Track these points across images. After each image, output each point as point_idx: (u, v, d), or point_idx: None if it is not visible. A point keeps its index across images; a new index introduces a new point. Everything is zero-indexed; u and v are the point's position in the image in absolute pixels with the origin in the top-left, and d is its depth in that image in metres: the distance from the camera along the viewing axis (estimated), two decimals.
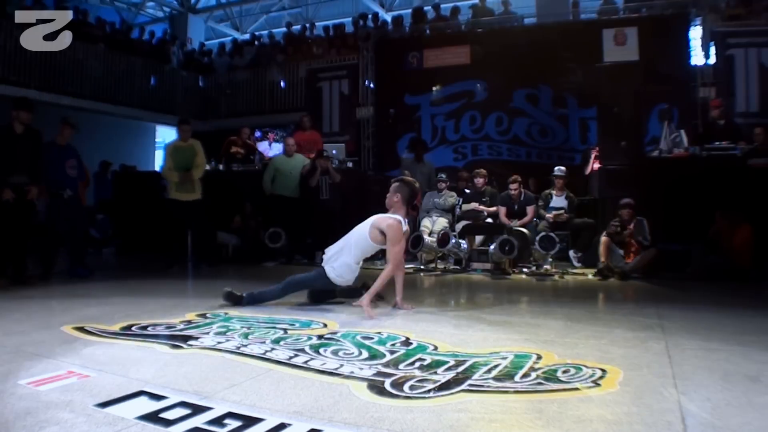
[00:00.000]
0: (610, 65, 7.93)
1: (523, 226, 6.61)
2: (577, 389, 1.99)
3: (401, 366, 2.29)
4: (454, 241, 6.17)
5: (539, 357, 2.40)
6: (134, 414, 1.73)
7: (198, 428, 1.63)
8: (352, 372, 2.20)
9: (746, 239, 5.59)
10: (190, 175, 6.54)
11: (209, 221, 6.97)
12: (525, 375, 2.15)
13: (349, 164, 8.44)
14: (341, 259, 3.80)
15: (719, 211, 5.76)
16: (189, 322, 3.24)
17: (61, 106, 10.00)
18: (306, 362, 2.35)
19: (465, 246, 6.39)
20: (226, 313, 3.48)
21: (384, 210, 3.92)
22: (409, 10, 12.91)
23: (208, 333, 2.92)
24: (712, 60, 8.45)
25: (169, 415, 1.73)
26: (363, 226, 3.82)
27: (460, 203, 7.32)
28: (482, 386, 2.03)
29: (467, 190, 7.66)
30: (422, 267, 6.51)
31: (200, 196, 6.63)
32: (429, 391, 1.97)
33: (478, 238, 6.72)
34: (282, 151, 8.01)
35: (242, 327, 3.05)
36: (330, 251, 3.89)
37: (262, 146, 10.10)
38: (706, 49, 8.46)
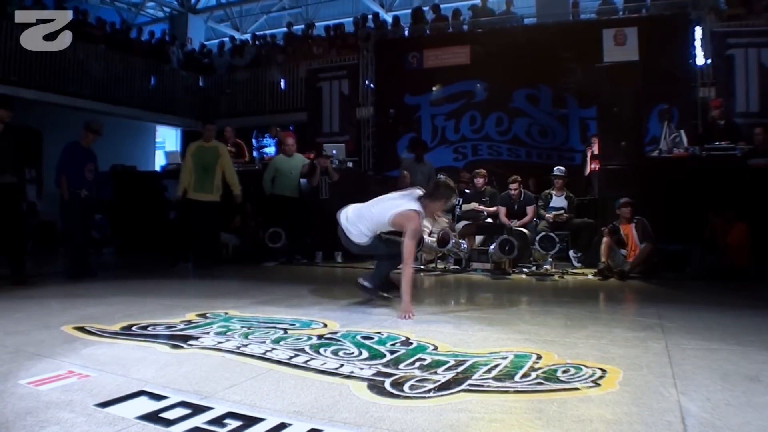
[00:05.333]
0: (610, 65, 7.93)
1: (523, 226, 6.61)
2: (577, 389, 1.99)
3: (401, 366, 2.29)
4: (454, 241, 6.17)
5: (539, 357, 2.40)
6: (134, 414, 1.73)
7: (198, 428, 1.63)
8: (352, 372, 2.20)
9: (741, 237, 5.59)
10: (211, 177, 6.59)
11: (218, 224, 7.00)
12: (525, 375, 2.16)
13: (349, 164, 8.44)
14: (358, 227, 3.91)
15: (712, 210, 5.77)
16: (189, 322, 3.24)
17: (61, 106, 10.01)
18: (306, 362, 2.35)
19: (465, 246, 6.39)
20: (226, 313, 3.48)
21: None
22: (409, 11, 12.91)
23: (208, 333, 2.92)
24: (712, 60, 8.45)
25: (169, 414, 1.73)
26: (385, 210, 3.81)
27: (460, 203, 7.32)
28: (482, 386, 2.03)
29: (467, 190, 7.66)
30: (422, 267, 6.51)
31: (218, 198, 6.66)
32: (429, 390, 1.97)
33: (478, 238, 6.72)
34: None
35: (242, 327, 3.06)
36: (349, 215, 4.01)
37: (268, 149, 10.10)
38: (706, 49, 8.46)
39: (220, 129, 9.11)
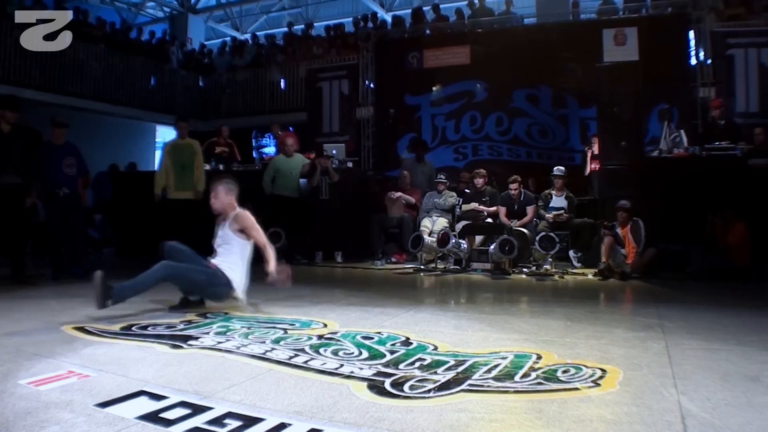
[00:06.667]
0: (610, 65, 7.92)
1: (523, 226, 6.61)
2: (577, 389, 1.99)
3: (401, 366, 2.29)
4: (454, 241, 6.17)
5: (539, 357, 2.40)
6: (134, 414, 1.73)
7: (198, 428, 1.63)
8: (352, 372, 2.20)
9: (741, 237, 5.60)
10: (189, 174, 6.56)
11: (204, 220, 6.98)
12: (525, 375, 2.16)
13: (349, 164, 8.43)
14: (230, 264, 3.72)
15: (711, 210, 5.77)
16: (189, 321, 3.24)
17: (61, 106, 10.00)
18: (306, 362, 2.35)
19: (465, 246, 6.40)
20: (226, 313, 3.49)
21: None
22: (409, 10, 12.91)
23: (208, 333, 2.92)
24: (712, 60, 8.45)
25: (169, 415, 1.73)
26: (224, 232, 3.86)
27: (460, 203, 7.33)
28: (482, 386, 2.03)
29: (467, 190, 7.66)
30: (422, 267, 6.51)
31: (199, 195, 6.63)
32: (429, 391, 1.97)
33: (478, 238, 6.72)
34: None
35: (242, 327, 3.06)
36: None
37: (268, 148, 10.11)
38: (705, 49, 8.46)
39: (216, 129, 9.15)
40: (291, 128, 9.96)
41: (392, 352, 2.52)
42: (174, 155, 6.68)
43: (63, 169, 5.64)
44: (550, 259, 6.01)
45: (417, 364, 2.31)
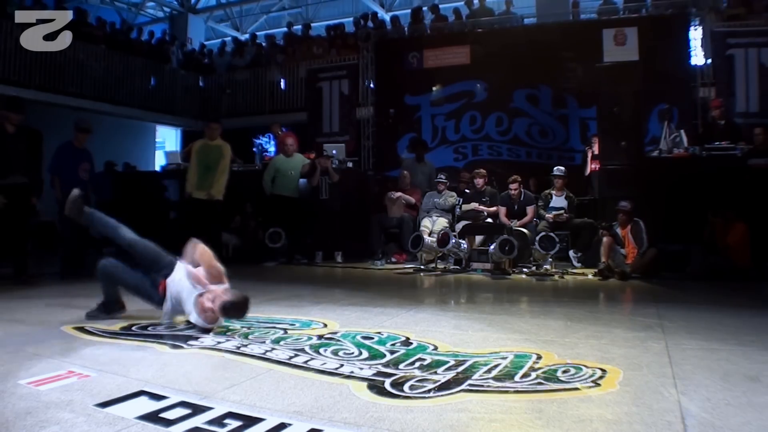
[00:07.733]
0: (610, 65, 7.93)
1: (523, 226, 6.62)
2: (577, 389, 1.99)
3: (401, 366, 2.29)
4: (454, 241, 6.17)
5: (539, 357, 2.40)
6: (134, 414, 1.73)
7: (198, 428, 1.63)
8: (352, 372, 2.20)
9: (741, 237, 5.60)
10: (212, 175, 6.52)
11: (219, 224, 6.96)
12: (525, 375, 2.16)
13: (349, 164, 8.44)
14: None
15: (711, 210, 5.77)
16: (189, 321, 3.24)
17: (61, 106, 10.00)
18: (306, 362, 2.35)
19: (465, 246, 6.40)
20: None
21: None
22: (409, 10, 12.92)
23: (208, 333, 2.92)
24: (712, 60, 8.45)
25: (169, 415, 1.73)
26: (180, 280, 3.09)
27: (460, 203, 7.33)
28: (482, 386, 2.03)
29: (467, 190, 7.67)
30: (422, 267, 6.51)
31: (220, 197, 6.57)
32: (429, 391, 1.97)
33: (478, 238, 6.72)
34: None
35: (242, 327, 3.05)
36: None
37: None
38: (706, 49, 8.46)
39: (222, 128, 9.14)
40: (284, 128, 9.97)
41: (392, 352, 2.52)
42: (200, 155, 6.64)
43: (79, 172, 5.73)
44: (550, 259, 6.01)
45: (417, 364, 2.31)
